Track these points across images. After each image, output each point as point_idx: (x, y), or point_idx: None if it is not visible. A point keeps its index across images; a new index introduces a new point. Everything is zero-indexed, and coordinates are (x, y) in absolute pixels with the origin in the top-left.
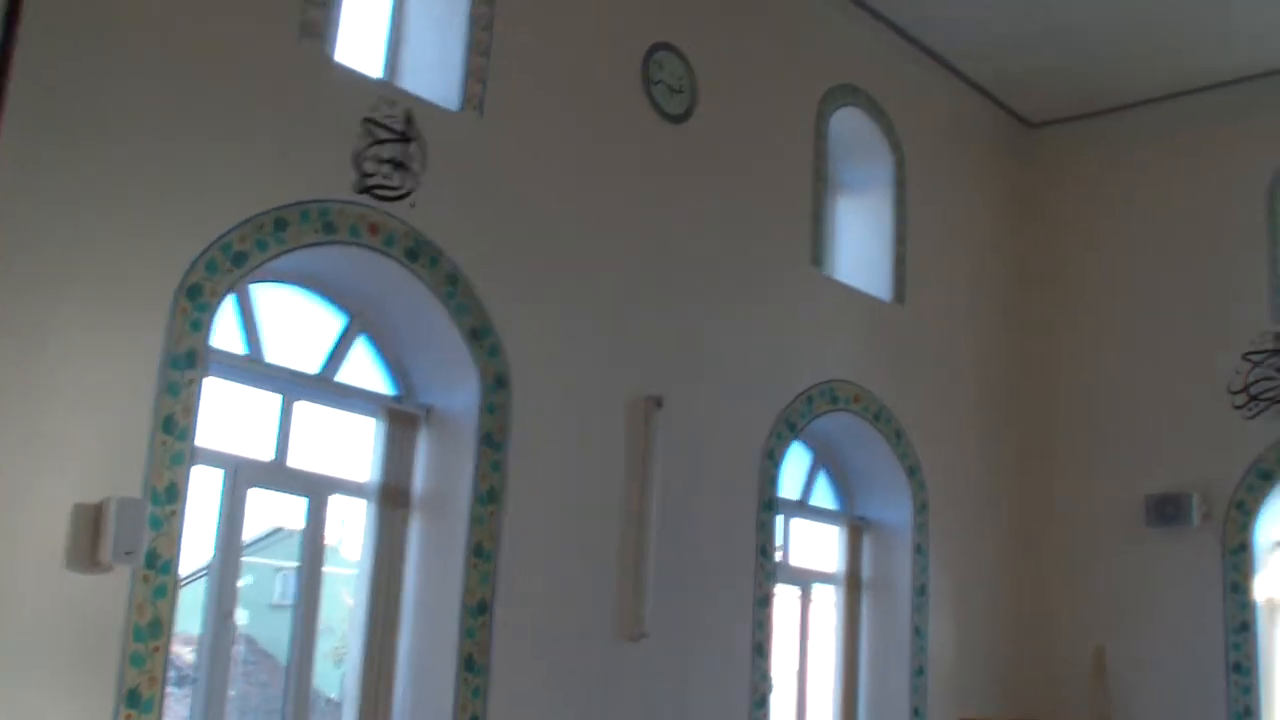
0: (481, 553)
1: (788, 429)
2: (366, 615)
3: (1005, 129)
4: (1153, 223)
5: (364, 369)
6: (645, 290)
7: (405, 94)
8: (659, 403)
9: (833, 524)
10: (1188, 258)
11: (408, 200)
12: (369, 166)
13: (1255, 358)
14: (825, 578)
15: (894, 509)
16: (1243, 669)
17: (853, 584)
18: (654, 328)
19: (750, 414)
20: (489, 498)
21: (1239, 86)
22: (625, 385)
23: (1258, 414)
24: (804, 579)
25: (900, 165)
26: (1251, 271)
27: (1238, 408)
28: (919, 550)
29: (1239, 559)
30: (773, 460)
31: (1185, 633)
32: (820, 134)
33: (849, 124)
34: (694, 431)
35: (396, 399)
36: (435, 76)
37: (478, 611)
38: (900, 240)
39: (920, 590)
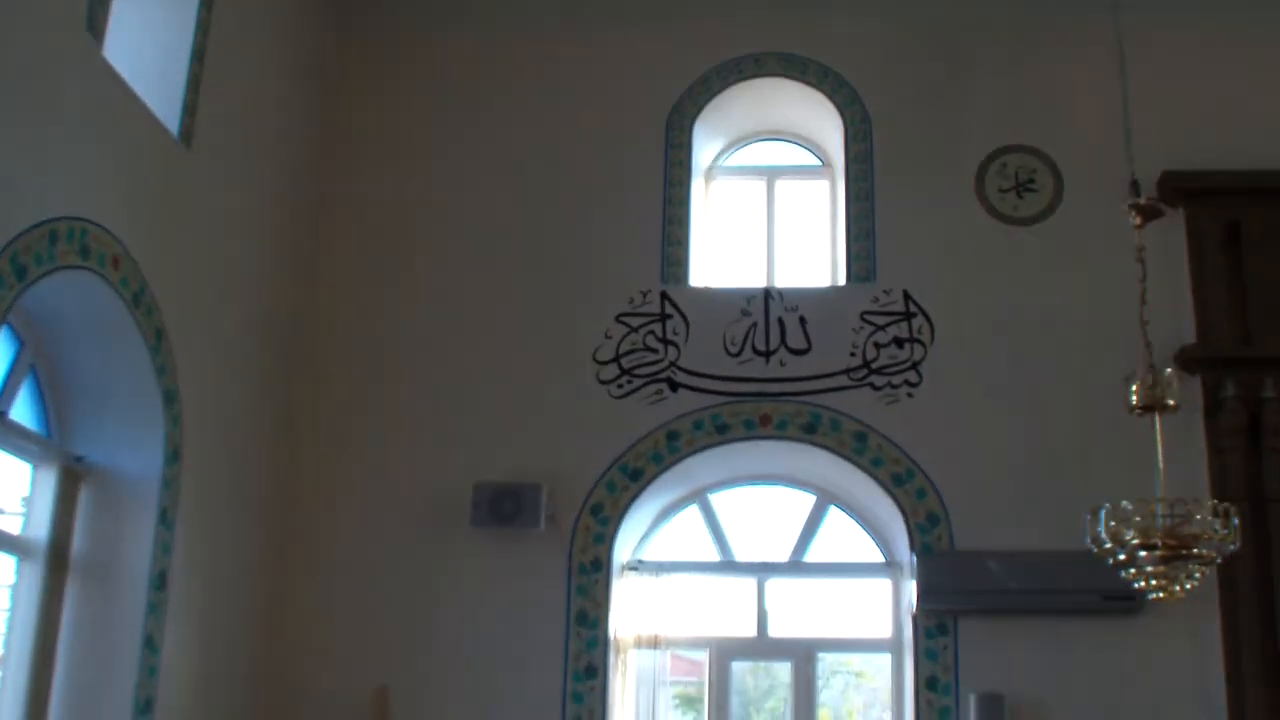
0: None
1: (15, 276)
2: None
3: None
4: (508, 133)
5: None
6: None
7: None
8: None
9: (34, 460)
10: (552, 185)
11: None
12: None
13: (632, 321)
14: (9, 543)
15: (135, 452)
16: None
17: (58, 558)
18: None
19: None
20: None
21: None
22: None
23: (629, 393)
24: None
25: None
26: (639, 217)
27: (604, 382)
28: (164, 519)
29: (591, 580)
30: None
31: (513, 676)
32: None
33: None
34: None
35: None
36: None
37: None
38: (199, 57)
39: (159, 580)
